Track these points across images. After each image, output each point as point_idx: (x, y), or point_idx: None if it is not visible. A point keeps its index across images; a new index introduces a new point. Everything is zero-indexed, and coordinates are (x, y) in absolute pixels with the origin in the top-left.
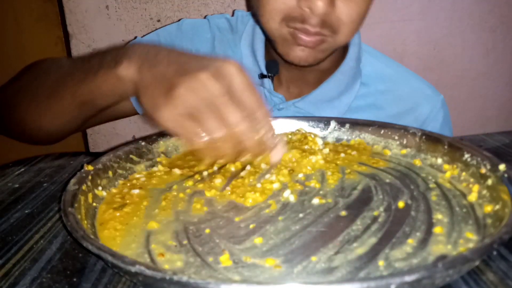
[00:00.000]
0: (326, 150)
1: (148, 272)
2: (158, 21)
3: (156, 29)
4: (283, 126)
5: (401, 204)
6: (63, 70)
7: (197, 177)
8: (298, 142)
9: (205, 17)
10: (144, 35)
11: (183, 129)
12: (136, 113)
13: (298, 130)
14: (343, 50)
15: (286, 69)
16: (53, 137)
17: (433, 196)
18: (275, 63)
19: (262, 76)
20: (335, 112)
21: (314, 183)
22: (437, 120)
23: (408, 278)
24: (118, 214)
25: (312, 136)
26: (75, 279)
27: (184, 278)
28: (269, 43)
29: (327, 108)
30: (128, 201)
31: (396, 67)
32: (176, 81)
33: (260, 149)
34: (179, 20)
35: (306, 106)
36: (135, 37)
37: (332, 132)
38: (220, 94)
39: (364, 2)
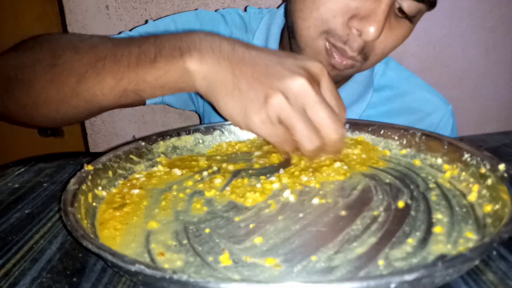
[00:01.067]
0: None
1: (148, 271)
2: None
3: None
4: None
5: (401, 204)
6: (100, 50)
7: (197, 177)
8: None
9: (216, 11)
10: (156, 19)
11: (277, 136)
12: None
13: None
14: None
15: None
16: (65, 122)
17: (433, 196)
18: None
19: None
20: None
21: (314, 183)
22: (446, 130)
23: (408, 277)
24: (118, 213)
25: None
26: (75, 279)
27: (184, 277)
28: (294, 50)
29: None
30: (128, 201)
31: (407, 77)
32: (272, 86)
33: (338, 148)
34: (196, 9)
35: None
36: (146, 21)
37: None
38: (317, 99)
39: (402, 38)
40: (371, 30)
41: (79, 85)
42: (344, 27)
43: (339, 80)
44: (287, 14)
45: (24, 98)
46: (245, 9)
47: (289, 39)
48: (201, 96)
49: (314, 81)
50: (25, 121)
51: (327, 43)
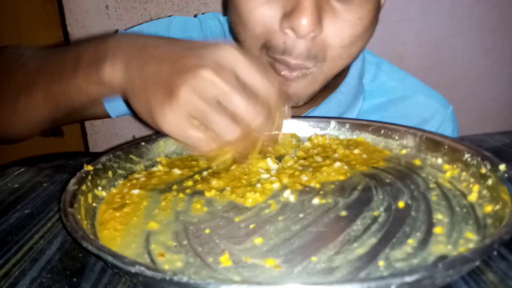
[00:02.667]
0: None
1: (148, 272)
2: None
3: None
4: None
5: (401, 204)
6: (32, 65)
7: (196, 177)
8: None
9: (195, 16)
10: (131, 27)
11: (190, 136)
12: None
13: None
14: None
15: None
16: (19, 137)
17: (433, 196)
18: None
19: None
20: None
21: (314, 183)
22: (446, 133)
23: (409, 279)
24: (118, 214)
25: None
26: (75, 279)
27: (184, 279)
28: None
29: None
30: (128, 201)
31: (401, 79)
32: (176, 82)
33: (274, 138)
34: (169, 16)
35: None
36: (117, 31)
37: (332, 132)
38: (227, 90)
39: (361, 23)
40: (303, 22)
41: (15, 104)
42: (279, 34)
43: (318, 94)
44: (235, 40)
45: None
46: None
47: None
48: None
49: (222, 69)
50: (5, 138)
51: (268, 58)
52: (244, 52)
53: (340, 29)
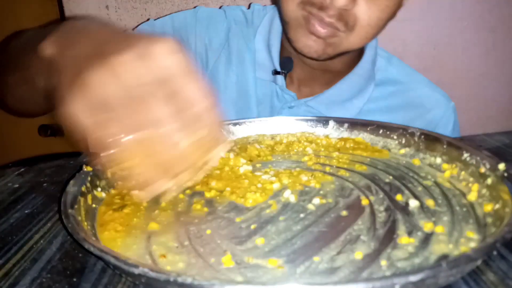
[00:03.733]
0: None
1: (152, 274)
2: None
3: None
4: (282, 126)
5: (401, 203)
6: (23, 42)
7: None
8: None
9: (220, 7)
10: (156, 18)
11: (92, 127)
12: None
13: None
14: (359, 52)
15: (300, 68)
16: (30, 110)
17: (433, 196)
18: (290, 60)
19: (275, 72)
20: (347, 114)
21: (314, 183)
22: (448, 126)
23: (413, 278)
24: (117, 215)
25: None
26: (75, 279)
27: (189, 280)
28: (283, 29)
29: (338, 110)
30: (127, 202)
31: (409, 73)
32: (87, 64)
33: (199, 161)
34: (195, 7)
35: (318, 106)
36: (148, 19)
37: (331, 131)
38: (144, 81)
39: (387, 9)
40: None
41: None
42: None
43: (334, 59)
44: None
45: None
46: (249, 6)
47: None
48: None
49: (149, 60)
50: (15, 110)
51: (304, 12)
52: (183, 50)
53: (370, 10)
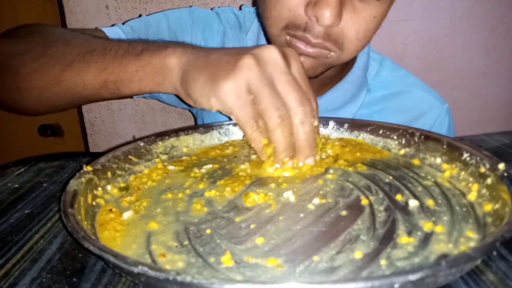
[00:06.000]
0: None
1: (152, 272)
2: None
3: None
4: None
5: (400, 203)
6: (90, 43)
7: (195, 174)
8: None
9: (211, 9)
10: (148, 15)
11: (244, 107)
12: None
13: None
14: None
15: None
16: (47, 110)
17: (433, 196)
18: None
19: None
20: None
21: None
22: (442, 129)
23: (412, 277)
24: (117, 215)
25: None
26: (75, 279)
27: (188, 279)
28: None
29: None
30: (127, 202)
31: (401, 75)
32: (240, 54)
33: (312, 148)
34: (190, 7)
35: None
36: (140, 15)
37: (331, 132)
38: (286, 70)
39: (374, 20)
40: (327, 14)
41: (63, 73)
42: (302, 17)
43: (322, 73)
44: (258, 17)
45: (9, 83)
46: (240, 8)
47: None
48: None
49: (285, 56)
50: (11, 105)
51: (288, 37)
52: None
53: (357, 24)
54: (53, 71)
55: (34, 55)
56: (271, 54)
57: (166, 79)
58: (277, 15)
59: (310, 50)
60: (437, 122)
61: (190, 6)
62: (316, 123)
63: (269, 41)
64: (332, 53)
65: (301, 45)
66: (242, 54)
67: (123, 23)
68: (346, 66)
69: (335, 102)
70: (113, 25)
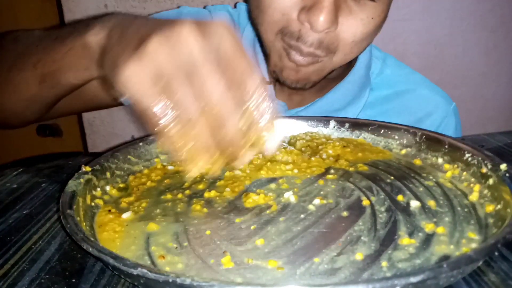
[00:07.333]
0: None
1: (151, 275)
2: None
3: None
4: (281, 126)
5: (402, 204)
6: (31, 39)
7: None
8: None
9: (204, 7)
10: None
11: (147, 95)
12: (112, 104)
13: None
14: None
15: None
16: (13, 118)
17: (434, 196)
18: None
19: None
20: None
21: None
22: (449, 128)
23: (414, 279)
24: (117, 215)
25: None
26: (73, 280)
27: (188, 281)
28: (264, 57)
29: None
30: (126, 204)
31: (405, 73)
32: (149, 35)
33: (248, 139)
34: (178, 7)
35: None
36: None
37: (332, 132)
38: (203, 53)
39: (372, 22)
40: (321, 19)
41: (8, 75)
42: (296, 22)
43: (318, 81)
44: (252, 23)
45: None
46: (235, 6)
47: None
48: None
49: (206, 36)
50: None
51: (283, 44)
52: (236, 32)
53: (353, 27)
54: (1, 73)
55: None
56: (185, 33)
57: (92, 62)
58: (270, 19)
59: (301, 59)
60: (443, 124)
61: (178, 7)
62: (253, 108)
63: (264, 51)
64: (324, 59)
65: (296, 54)
66: (152, 33)
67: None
68: (348, 66)
69: (336, 103)
70: None
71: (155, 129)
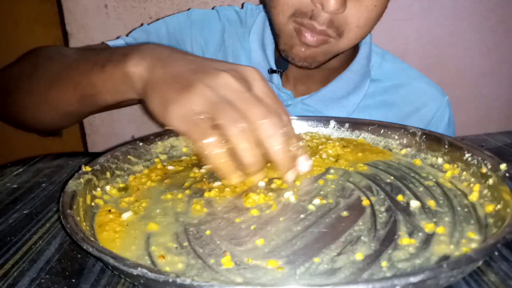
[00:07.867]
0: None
1: (151, 275)
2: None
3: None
4: None
5: (402, 204)
6: (68, 60)
7: (194, 174)
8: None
9: (213, 8)
10: (150, 23)
11: (195, 129)
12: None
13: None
14: (354, 49)
15: (295, 66)
16: (47, 127)
17: (434, 196)
18: (285, 59)
19: (271, 71)
20: (343, 111)
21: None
22: (443, 120)
23: (414, 279)
24: (117, 215)
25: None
26: (73, 280)
27: (188, 281)
28: (274, 39)
29: (335, 107)
30: (126, 204)
31: (403, 68)
32: (193, 78)
33: (288, 158)
34: (188, 9)
35: (314, 104)
36: (142, 24)
37: (332, 132)
38: (244, 90)
39: (375, 9)
40: (332, 1)
41: (47, 92)
42: (308, 4)
43: (325, 63)
44: (264, 7)
45: (10, 105)
46: (242, 6)
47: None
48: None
49: (242, 79)
50: (17, 124)
51: (295, 25)
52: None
53: (359, 11)
54: (40, 90)
55: (26, 77)
56: (224, 78)
57: (130, 88)
58: (285, 2)
59: (313, 39)
60: (437, 114)
61: (188, 9)
62: (288, 133)
63: (275, 33)
64: (332, 40)
65: (307, 33)
66: (193, 80)
67: (127, 34)
68: (350, 57)
69: (339, 91)
70: (118, 38)
71: (205, 155)
